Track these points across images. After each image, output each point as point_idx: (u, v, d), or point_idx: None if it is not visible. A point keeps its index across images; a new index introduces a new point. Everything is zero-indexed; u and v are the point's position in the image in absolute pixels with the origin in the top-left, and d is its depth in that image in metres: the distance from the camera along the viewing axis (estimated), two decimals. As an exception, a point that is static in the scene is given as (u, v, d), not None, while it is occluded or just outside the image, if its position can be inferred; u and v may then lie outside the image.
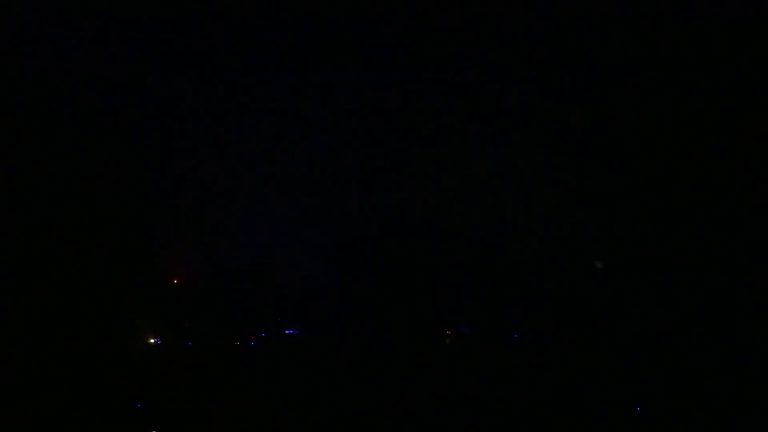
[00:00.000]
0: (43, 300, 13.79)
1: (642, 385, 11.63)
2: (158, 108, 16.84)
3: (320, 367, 12.83)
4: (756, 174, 13.01)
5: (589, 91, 16.74)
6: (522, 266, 16.27)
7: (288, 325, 15.26)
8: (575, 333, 14.83)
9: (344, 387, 10.99)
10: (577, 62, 15.60)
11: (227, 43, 13.47)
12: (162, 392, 11.55)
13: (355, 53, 14.57)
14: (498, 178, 17.73)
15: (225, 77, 17.24)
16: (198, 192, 17.60)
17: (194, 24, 13.11)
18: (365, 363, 13.10)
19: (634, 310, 13.77)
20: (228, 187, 17.66)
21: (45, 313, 13.76)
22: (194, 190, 17.61)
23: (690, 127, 13.06)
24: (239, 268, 15.42)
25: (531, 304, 16.26)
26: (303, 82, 17.43)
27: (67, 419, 10.25)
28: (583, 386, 11.91)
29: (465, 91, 17.48)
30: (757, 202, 13.01)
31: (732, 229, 13.20)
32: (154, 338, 14.84)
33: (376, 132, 17.74)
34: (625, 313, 14.22)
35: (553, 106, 16.05)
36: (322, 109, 17.60)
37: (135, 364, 13.01)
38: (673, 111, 13.18)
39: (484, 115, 17.31)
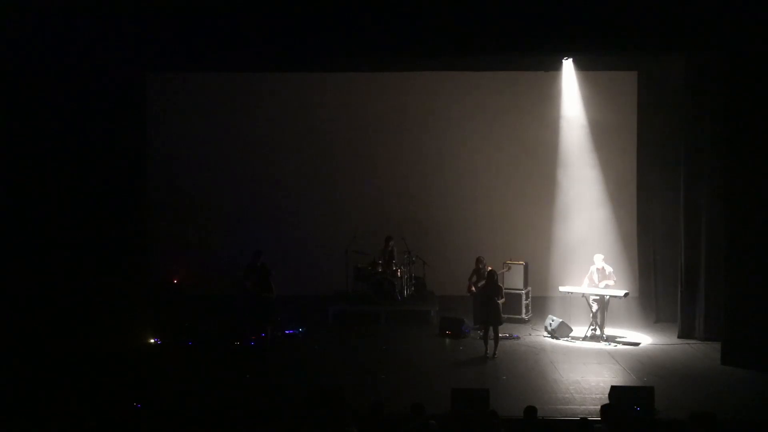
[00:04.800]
0: (42, 300, 13.79)
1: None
2: (158, 108, 16.85)
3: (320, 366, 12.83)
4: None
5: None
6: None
7: (288, 325, 15.29)
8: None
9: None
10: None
11: (226, 42, 13.44)
12: (162, 392, 11.52)
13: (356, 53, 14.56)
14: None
15: (224, 77, 17.24)
16: (197, 193, 17.64)
17: (194, 24, 13.09)
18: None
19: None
20: (227, 187, 17.68)
21: (45, 313, 13.75)
22: (193, 192, 17.65)
23: None
24: (240, 267, 15.46)
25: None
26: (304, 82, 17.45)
27: (67, 419, 10.22)
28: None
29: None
30: None
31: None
32: (154, 338, 14.87)
33: (377, 132, 17.78)
34: None
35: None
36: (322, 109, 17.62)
37: (135, 364, 13.03)
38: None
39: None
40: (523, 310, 15.75)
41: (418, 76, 17.10)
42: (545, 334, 14.76)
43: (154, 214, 16.02)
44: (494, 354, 13.43)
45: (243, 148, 17.42)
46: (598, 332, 14.34)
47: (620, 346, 14.04)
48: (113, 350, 13.25)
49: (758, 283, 12.83)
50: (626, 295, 14.53)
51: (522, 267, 15.89)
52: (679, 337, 14.50)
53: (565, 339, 14.46)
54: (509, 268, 15.78)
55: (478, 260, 15.03)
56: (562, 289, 14.99)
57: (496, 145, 17.38)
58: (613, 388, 10.88)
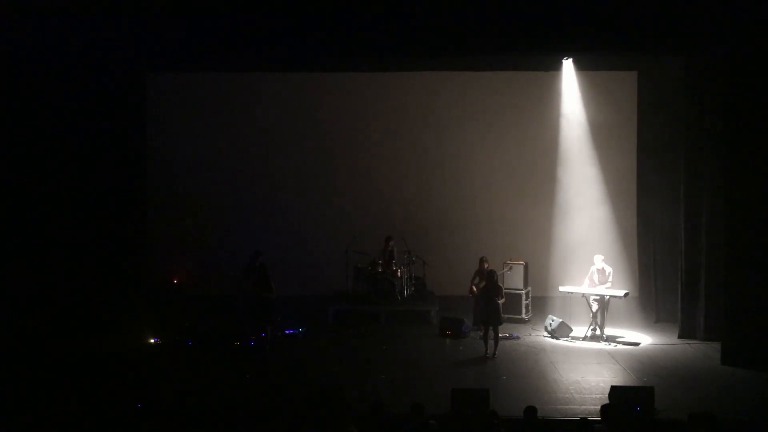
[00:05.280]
0: (42, 300, 13.79)
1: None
2: (158, 108, 16.85)
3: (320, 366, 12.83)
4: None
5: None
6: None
7: (288, 325, 15.28)
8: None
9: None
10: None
11: (226, 42, 13.46)
12: (162, 392, 11.52)
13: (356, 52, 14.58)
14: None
15: (224, 77, 17.25)
16: (197, 193, 17.64)
17: (194, 24, 13.10)
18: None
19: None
20: (227, 187, 17.68)
21: (45, 313, 13.75)
22: (193, 191, 17.64)
23: None
24: (239, 267, 15.46)
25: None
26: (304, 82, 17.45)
27: (67, 419, 10.23)
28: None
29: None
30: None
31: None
32: (154, 338, 14.87)
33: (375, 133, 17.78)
34: None
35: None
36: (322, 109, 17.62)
37: (135, 364, 13.03)
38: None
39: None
40: (523, 310, 15.74)
41: (418, 76, 17.10)
42: (545, 334, 14.75)
43: (154, 214, 16.04)
44: (494, 354, 13.42)
45: (243, 148, 17.42)
46: (598, 332, 14.33)
47: (620, 346, 14.02)
48: (113, 350, 13.26)
49: (758, 283, 12.82)
50: (626, 295, 14.52)
51: (522, 267, 15.89)
52: (679, 337, 14.48)
53: (565, 339, 14.45)
54: (510, 268, 15.76)
55: (482, 260, 14.98)
56: (562, 289, 14.98)
57: (496, 144, 17.38)
58: (613, 388, 10.87)
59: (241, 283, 14.68)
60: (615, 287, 14.51)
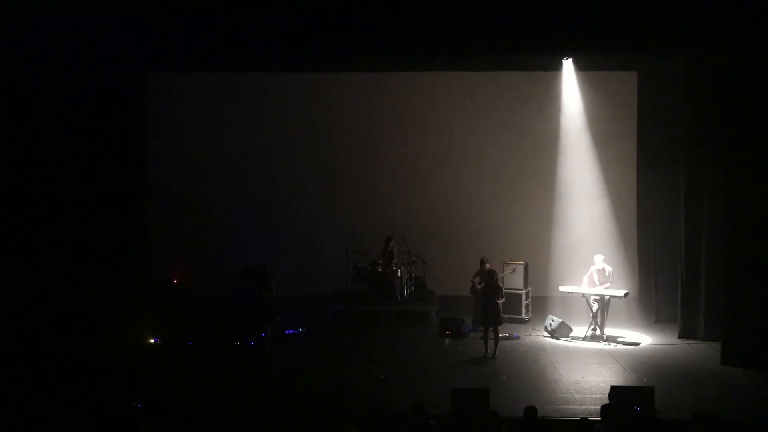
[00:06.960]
0: (42, 300, 13.78)
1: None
2: (158, 108, 16.83)
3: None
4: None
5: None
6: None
7: (288, 325, 15.29)
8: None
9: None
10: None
11: (227, 42, 13.46)
12: (162, 392, 11.51)
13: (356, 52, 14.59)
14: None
15: (224, 77, 17.24)
16: (197, 193, 17.64)
17: (194, 24, 13.11)
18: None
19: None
20: (227, 187, 17.68)
21: (45, 313, 13.74)
22: (193, 191, 17.64)
23: None
24: (239, 268, 15.46)
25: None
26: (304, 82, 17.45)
27: (68, 419, 10.23)
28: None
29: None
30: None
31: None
32: (154, 338, 14.87)
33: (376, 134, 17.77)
34: None
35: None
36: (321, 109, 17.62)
37: (135, 364, 13.03)
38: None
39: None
40: (523, 310, 15.75)
41: (418, 76, 17.10)
42: (545, 334, 14.76)
43: (154, 214, 16.03)
44: (494, 354, 13.42)
45: (243, 148, 17.41)
46: (598, 332, 14.33)
47: (620, 346, 14.03)
48: (113, 350, 13.25)
49: (758, 283, 12.81)
50: (626, 295, 14.51)
51: (522, 267, 15.90)
52: (679, 337, 14.48)
53: (565, 339, 14.46)
54: (513, 270, 15.75)
55: (482, 261, 14.94)
56: (562, 289, 14.98)
57: (495, 145, 17.38)
58: (613, 388, 10.88)
59: (240, 283, 14.68)
60: (615, 287, 14.52)
